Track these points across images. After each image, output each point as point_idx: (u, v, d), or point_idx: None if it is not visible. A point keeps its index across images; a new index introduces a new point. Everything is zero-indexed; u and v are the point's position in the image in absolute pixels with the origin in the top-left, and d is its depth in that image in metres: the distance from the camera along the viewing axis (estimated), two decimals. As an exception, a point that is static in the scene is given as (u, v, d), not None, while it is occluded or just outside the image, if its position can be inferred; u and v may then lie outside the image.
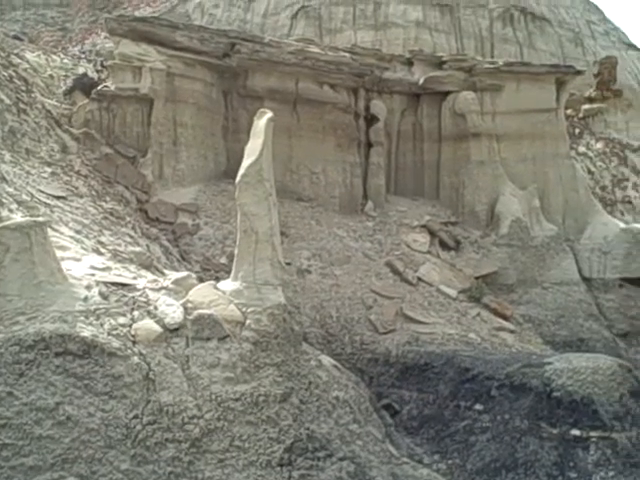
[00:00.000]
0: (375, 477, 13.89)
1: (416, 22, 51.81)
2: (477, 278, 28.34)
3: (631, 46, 65.22)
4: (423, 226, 29.88)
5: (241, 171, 14.70)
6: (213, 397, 12.81)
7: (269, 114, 15.11)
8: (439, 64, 34.10)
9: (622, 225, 33.48)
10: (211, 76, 28.38)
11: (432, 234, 29.68)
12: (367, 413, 16.11)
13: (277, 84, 29.04)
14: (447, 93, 33.03)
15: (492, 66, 33.69)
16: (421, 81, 32.99)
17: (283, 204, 26.62)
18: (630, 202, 40.17)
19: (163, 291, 14.39)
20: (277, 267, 14.88)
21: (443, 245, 29.73)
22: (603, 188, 40.56)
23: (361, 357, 21.59)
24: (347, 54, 31.56)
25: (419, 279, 26.53)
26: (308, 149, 29.52)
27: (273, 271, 14.73)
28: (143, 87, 26.22)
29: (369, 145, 31.86)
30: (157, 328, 13.25)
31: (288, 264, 22.67)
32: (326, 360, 16.84)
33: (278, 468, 12.82)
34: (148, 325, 13.25)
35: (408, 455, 16.72)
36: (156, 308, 13.73)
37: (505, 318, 26.44)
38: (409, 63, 34.45)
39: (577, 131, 44.87)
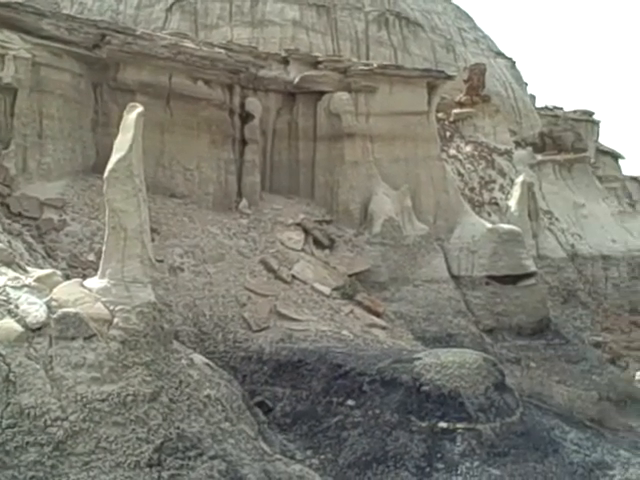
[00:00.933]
0: (247, 475, 13.87)
1: (293, 21, 52.19)
2: (350, 276, 28.78)
3: (499, 54, 68.27)
4: (298, 224, 30.10)
5: (109, 166, 14.35)
6: (78, 398, 12.46)
7: (139, 108, 14.82)
8: (315, 64, 34.45)
9: (489, 225, 34.91)
10: (80, 67, 27.38)
11: (306, 232, 29.94)
12: (239, 411, 16.06)
13: (149, 78, 28.40)
14: (322, 93, 33.40)
15: (366, 68, 34.33)
16: (296, 80, 33.22)
17: (155, 200, 26.21)
18: (497, 203, 41.96)
19: (25, 289, 13.85)
20: (147, 265, 14.61)
21: (317, 243, 30.02)
22: (472, 190, 42.13)
23: (234, 355, 21.50)
24: (222, 50, 31.33)
25: (293, 277, 26.70)
26: (181, 145, 29.08)
27: (143, 269, 14.45)
28: (6, 76, 24.99)
29: (244, 142, 31.74)
30: (18, 328, 12.79)
31: (160, 262, 22.29)
32: (198, 358, 16.67)
33: (147, 469, 12.60)
34: (8, 325, 12.77)
35: (281, 452, 16.81)
36: (17, 307, 13.22)
37: (377, 315, 27.01)
38: (285, 62, 34.61)
39: (448, 134, 46.44)
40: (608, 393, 27.01)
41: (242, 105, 31.78)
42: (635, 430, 24.46)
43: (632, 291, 42.42)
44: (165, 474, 12.67)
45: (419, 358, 20.36)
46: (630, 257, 44.35)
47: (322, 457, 17.88)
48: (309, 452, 18.07)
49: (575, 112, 65.70)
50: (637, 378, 31.28)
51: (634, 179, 68.35)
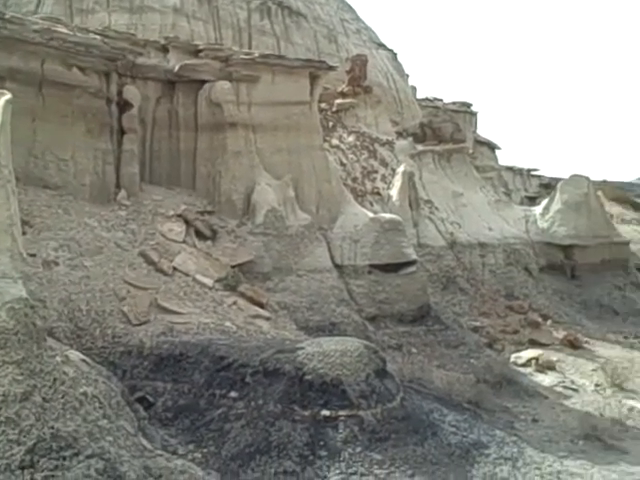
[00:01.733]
0: (126, 472, 13.63)
1: (174, 8, 51.25)
2: (233, 267, 28.68)
3: (381, 45, 69.45)
4: (179, 215, 29.71)
5: (-26, 155, 13.74)
6: (-58, 400, 11.91)
7: (7, 95, 14.27)
8: (195, 52, 34.09)
9: (371, 215, 35.54)
10: (-57, 52, 26.05)
11: (188, 223, 29.60)
12: (118, 407, 15.74)
13: (20, 64, 27.17)
14: (203, 82, 33.09)
15: (248, 57, 34.21)
16: (176, 68, 32.75)
17: (27, 192, 25.27)
18: (379, 193, 42.73)
19: None
20: (17, 259, 14.11)
21: (199, 234, 29.75)
22: (354, 179, 42.71)
23: (113, 350, 21.00)
24: (98, 36, 30.46)
25: (175, 269, 26.34)
26: (55, 134, 28.03)
27: (13, 263, 13.95)
28: None
29: (122, 132, 31.02)
30: None
31: (32, 255, 21.53)
32: (74, 355, 16.22)
33: (19, 471, 12.20)
34: None
35: (162, 447, 16.60)
36: None
37: (261, 306, 27.05)
38: (164, 49, 34.08)
39: (330, 124, 46.87)
40: (485, 376, 27.99)
41: (120, 93, 31.02)
42: (510, 410, 25.49)
43: (508, 277, 44.10)
44: (38, 476, 12.31)
45: (302, 347, 20.46)
46: (506, 244, 46.12)
47: (205, 451, 17.75)
48: (191, 446, 17.90)
49: (454, 104, 67.86)
50: (512, 360, 32.61)
51: (509, 169, 71.54)
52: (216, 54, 33.81)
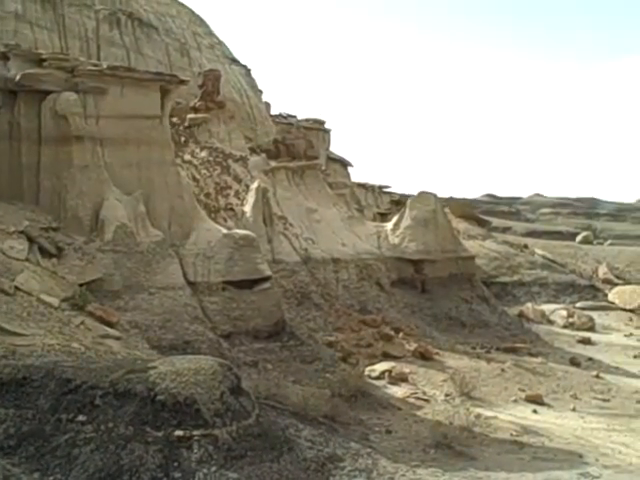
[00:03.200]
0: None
1: (15, 14, 49.41)
2: (81, 285, 27.80)
3: (234, 61, 69.79)
4: (21, 232, 28.44)
5: None
6: None
7: None
8: (38, 61, 32.91)
9: (224, 231, 35.56)
10: None
11: (31, 240, 28.39)
12: (-47, 438, 14.83)
13: None
14: (47, 92, 32.02)
15: (95, 68, 33.46)
16: (18, 77, 31.47)
17: None
18: (232, 209, 42.77)
19: None
20: None
21: (43, 252, 28.61)
22: (207, 195, 42.56)
23: (-52, 377, 19.71)
24: None
25: (17, 288, 25.15)
26: None
27: None
28: None
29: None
30: None
31: None
32: None
33: None
34: None
35: (4, 477, 15.77)
36: None
37: (111, 325, 26.31)
38: (4, 57, 32.68)
39: (183, 139, 46.58)
40: (340, 389, 28.44)
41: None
42: (365, 423, 26.03)
43: (361, 292, 45.20)
44: None
45: (154, 367, 20.00)
46: (358, 259, 47.29)
47: (51, 478, 17.00)
48: (36, 475, 17.08)
49: (307, 120, 69.17)
50: (366, 374, 33.36)
51: (362, 186, 73.57)
52: (61, 64, 32.80)
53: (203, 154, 46.19)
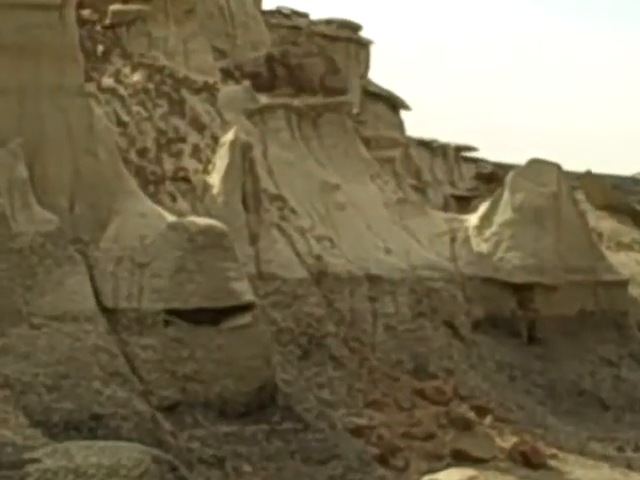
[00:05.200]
0: None
1: None
2: None
3: None
4: None
5: None
6: None
7: None
8: None
9: (171, 218, 35.86)
10: None
11: None
12: None
13: None
14: None
15: None
16: None
17: None
18: (187, 179, 42.71)
19: None
20: None
21: None
22: (142, 153, 42.57)
23: None
24: None
25: None
26: None
27: None
28: None
29: None
30: None
31: None
32: None
33: None
34: None
35: None
36: None
37: (-41, 382, 26.48)
38: None
39: (100, 49, 46.68)
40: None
41: None
42: None
43: (417, 337, 45.03)
44: None
45: (37, 460, 20.36)
46: (415, 279, 47.12)
47: None
48: None
49: (329, 23, 68.52)
50: (424, 487, 33.39)
51: (424, 144, 73.02)
52: None
53: (137, 77, 46.30)
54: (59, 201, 34.41)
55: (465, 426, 39.56)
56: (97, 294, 33.26)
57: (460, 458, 36.65)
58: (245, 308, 34.86)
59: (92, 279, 33.43)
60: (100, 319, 32.48)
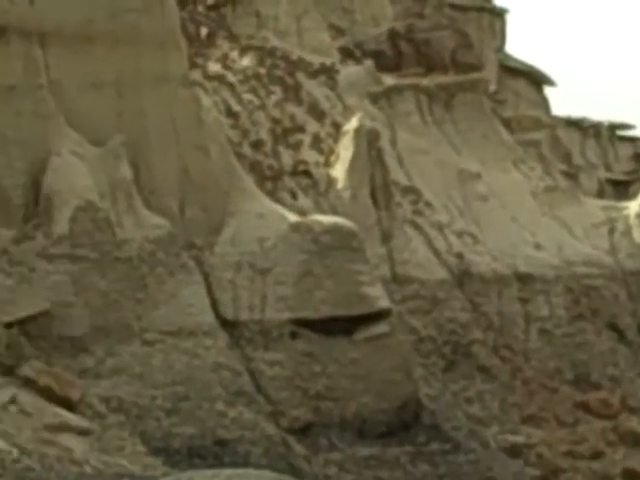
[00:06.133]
0: None
1: None
2: (9, 326, 28.58)
3: None
4: None
5: None
6: None
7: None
8: None
9: (293, 218, 36.07)
10: None
11: None
12: None
13: None
14: None
15: None
16: None
17: None
18: (308, 172, 42.87)
19: None
20: None
21: None
22: (256, 145, 42.84)
23: None
24: None
25: None
26: None
27: None
28: None
29: None
30: None
31: None
32: None
33: None
34: None
35: None
36: None
37: (69, 405, 26.98)
38: None
39: (204, 32, 47.14)
40: None
41: None
42: None
43: (577, 343, 44.82)
44: None
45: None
46: (571, 276, 46.90)
47: None
48: None
49: (458, -7, 68.54)
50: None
51: (574, 125, 72.53)
52: None
53: (246, 61, 46.62)
54: (168, 203, 34.70)
55: (637, 442, 39.31)
56: (215, 305, 33.55)
57: (633, 478, 36.43)
58: (380, 316, 34.94)
59: (209, 288, 33.67)
60: (220, 333, 32.76)
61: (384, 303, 35.39)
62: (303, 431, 32.25)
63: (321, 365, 33.43)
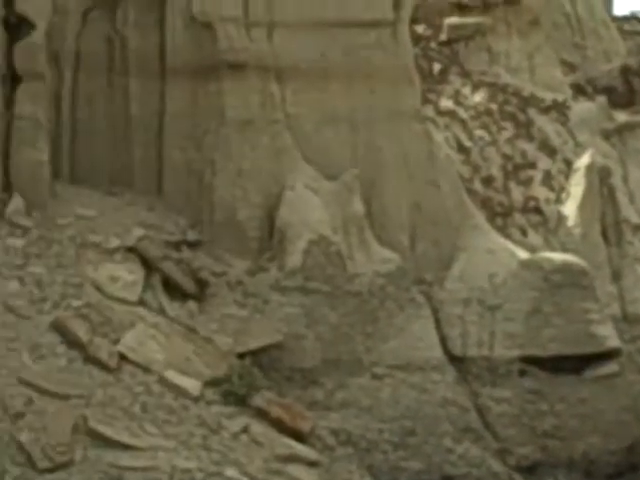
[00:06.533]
0: None
1: None
2: (242, 357, 29.03)
3: None
4: (130, 249, 30.09)
5: None
6: None
7: None
8: None
9: (523, 255, 35.86)
10: None
11: (149, 266, 29.98)
12: None
13: None
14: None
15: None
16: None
17: None
18: (539, 209, 42.50)
19: None
20: None
21: (172, 289, 30.19)
22: (487, 181, 42.63)
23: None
24: None
25: (123, 358, 26.68)
26: None
27: None
28: None
29: (15, 80, 31.73)
30: None
31: None
32: None
33: None
34: None
35: None
36: None
37: (299, 437, 27.25)
38: None
39: (437, 68, 47.12)
40: None
41: (10, 3, 31.77)
42: None
43: None
44: None
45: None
46: None
47: None
48: None
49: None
50: None
51: None
52: None
53: (478, 97, 46.46)
54: (399, 238, 34.78)
55: None
56: (443, 340, 33.49)
57: None
58: (610, 355, 34.52)
59: (437, 323, 33.65)
60: (448, 368, 32.69)
61: (614, 342, 34.91)
62: (530, 470, 32.06)
63: (549, 403, 33.22)
